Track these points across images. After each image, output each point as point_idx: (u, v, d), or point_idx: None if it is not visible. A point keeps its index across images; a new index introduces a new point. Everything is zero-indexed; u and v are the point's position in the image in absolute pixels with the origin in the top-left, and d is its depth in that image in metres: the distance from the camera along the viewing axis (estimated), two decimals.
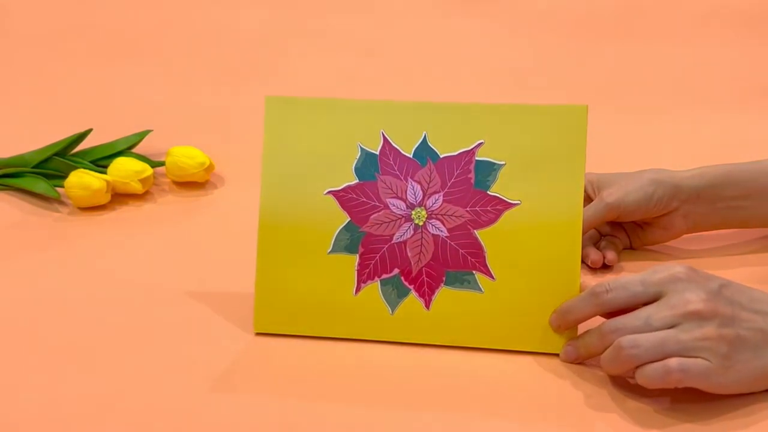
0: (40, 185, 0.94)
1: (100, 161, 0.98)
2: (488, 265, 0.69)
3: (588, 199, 0.81)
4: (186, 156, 0.96)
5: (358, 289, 0.70)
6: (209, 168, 0.97)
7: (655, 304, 0.62)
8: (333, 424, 0.62)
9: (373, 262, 0.70)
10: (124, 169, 0.93)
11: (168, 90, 1.25)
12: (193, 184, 0.98)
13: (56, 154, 0.97)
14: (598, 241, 0.83)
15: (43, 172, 0.96)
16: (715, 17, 1.50)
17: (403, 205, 0.70)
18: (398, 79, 1.31)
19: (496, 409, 0.63)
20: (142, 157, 0.98)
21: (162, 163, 0.98)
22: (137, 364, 0.68)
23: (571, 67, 1.34)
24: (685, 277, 0.62)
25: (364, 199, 0.71)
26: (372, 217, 0.70)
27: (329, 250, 0.71)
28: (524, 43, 1.44)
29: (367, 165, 0.71)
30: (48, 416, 0.63)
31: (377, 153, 0.71)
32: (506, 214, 0.69)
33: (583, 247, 0.82)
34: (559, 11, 1.56)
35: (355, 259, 0.70)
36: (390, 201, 0.70)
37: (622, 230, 0.83)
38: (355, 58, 1.38)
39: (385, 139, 0.71)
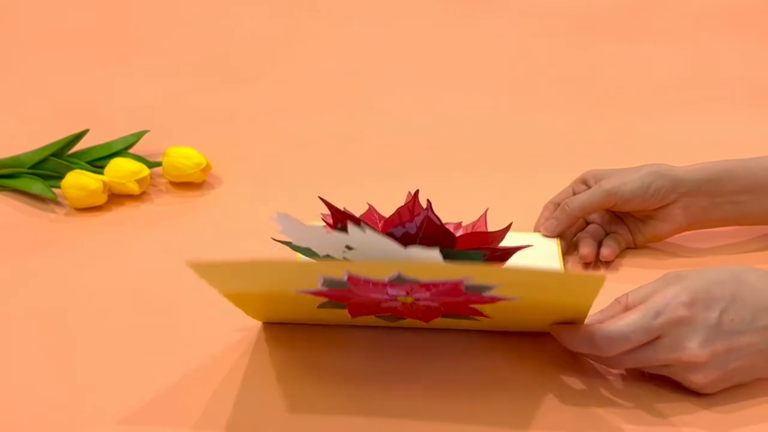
0: (37, 186, 0.94)
1: (96, 162, 0.98)
2: (484, 313, 0.66)
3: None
4: (183, 156, 0.96)
5: (353, 317, 0.69)
6: (206, 168, 0.97)
7: (652, 345, 0.62)
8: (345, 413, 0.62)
9: (363, 311, 0.67)
10: (121, 169, 0.93)
11: (165, 90, 1.25)
12: (190, 184, 0.97)
13: (53, 155, 0.97)
14: (602, 237, 0.83)
15: (39, 173, 0.96)
16: (716, 17, 1.50)
17: (386, 296, 0.63)
18: (397, 79, 1.31)
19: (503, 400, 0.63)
20: (138, 158, 0.98)
21: (159, 164, 0.98)
22: (136, 365, 0.68)
23: (571, 67, 1.34)
24: (686, 320, 0.61)
25: (340, 294, 0.63)
26: (354, 299, 0.64)
27: (318, 305, 0.66)
28: (524, 42, 1.44)
29: (335, 283, 0.61)
30: (48, 417, 0.62)
31: (344, 279, 0.60)
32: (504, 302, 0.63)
33: (581, 240, 0.82)
34: (559, 11, 1.55)
35: (345, 310, 0.66)
36: (370, 295, 0.63)
37: (624, 226, 0.83)
38: (354, 58, 1.38)
39: (350, 274, 0.59)
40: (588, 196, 0.80)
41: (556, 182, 0.88)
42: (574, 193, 0.84)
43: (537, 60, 1.37)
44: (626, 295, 0.66)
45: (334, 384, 0.66)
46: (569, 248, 0.83)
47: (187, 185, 0.98)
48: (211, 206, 0.94)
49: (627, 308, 0.65)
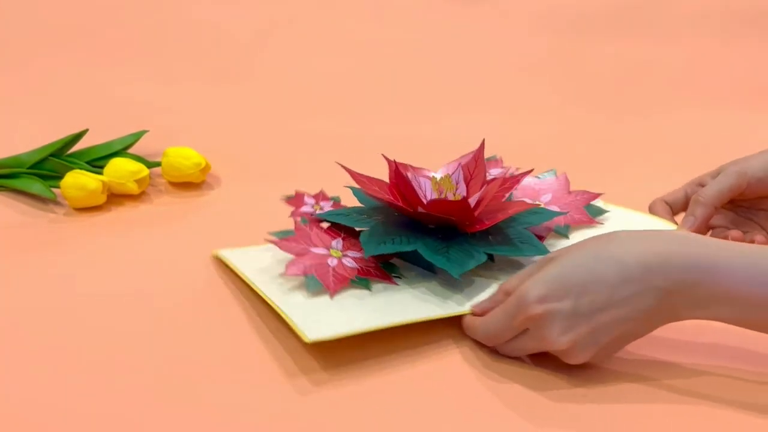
0: (36, 186, 0.94)
1: (96, 162, 0.98)
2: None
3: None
4: (182, 156, 0.96)
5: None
6: (205, 169, 0.97)
7: (522, 336, 0.65)
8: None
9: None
10: (120, 169, 0.93)
11: (164, 90, 1.25)
12: (189, 184, 0.98)
13: (52, 155, 0.97)
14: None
15: (38, 173, 0.96)
16: (716, 16, 1.50)
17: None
18: (397, 78, 1.31)
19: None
20: (138, 158, 0.98)
21: (158, 164, 0.98)
22: (135, 365, 0.68)
23: (570, 67, 1.34)
24: (540, 317, 0.62)
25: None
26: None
27: None
28: (523, 42, 1.44)
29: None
30: (47, 416, 0.62)
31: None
32: None
33: (725, 230, 0.78)
34: (558, 11, 1.55)
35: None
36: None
37: (754, 225, 0.79)
38: (354, 58, 1.38)
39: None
40: (719, 182, 0.75)
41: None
42: (687, 196, 0.79)
43: (536, 59, 1.37)
44: (509, 280, 0.68)
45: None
46: None
47: (186, 185, 0.98)
48: (210, 206, 0.94)
49: (507, 294, 0.66)
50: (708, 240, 0.62)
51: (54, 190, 0.94)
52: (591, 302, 0.61)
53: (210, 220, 0.91)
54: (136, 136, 1.01)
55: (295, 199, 0.82)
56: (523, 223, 0.77)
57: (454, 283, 0.73)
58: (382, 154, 0.78)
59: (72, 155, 0.99)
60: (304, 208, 0.81)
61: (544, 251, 0.72)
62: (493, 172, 0.86)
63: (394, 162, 0.76)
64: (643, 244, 0.61)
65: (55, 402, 0.64)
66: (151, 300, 0.76)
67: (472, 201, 0.74)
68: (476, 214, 0.75)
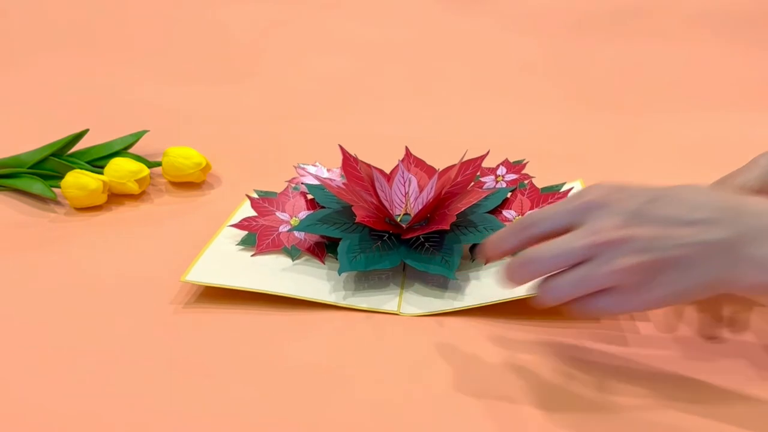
0: (37, 186, 0.94)
1: (96, 161, 0.98)
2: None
3: None
4: (182, 156, 0.96)
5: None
6: (206, 168, 0.97)
7: (571, 234, 0.58)
8: None
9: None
10: (121, 169, 0.93)
11: (164, 90, 1.25)
12: (189, 184, 0.98)
13: (53, 155, 0.97)
14: None
15: (39, 173, 0.96)
16: (716, 17, 1.50)
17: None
18: (396, 79, 1.31)
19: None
20: (138, 158, 0.99)
21: (158, 164, 0.98)
22: (135, 365, 0.68)
23: (569, 68, 1.34)
24: (600, 203, 0.58)
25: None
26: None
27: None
28: (522, 42, 1.44)
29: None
30: (48, 414, 0.63)
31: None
32: None
33: None
34: (558, 11, 1.56)
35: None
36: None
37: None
38: (354, 58, 1.38)
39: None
40: None
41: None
42: None
43: (536, 59, 1.37)
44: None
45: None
46: None
47: (186, 185, 0.98)
48: (211, 206, 0.94)
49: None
50: None
51: (54, 189, 0.94)
52: (658, 211, 0.56)
53: (210, 220, 0.91)
54: (137, 136, 1.01)
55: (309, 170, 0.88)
56: (484, 208, 0.82)
57: (366, 279, 0.76)
58: (338, 145, 0.83)
59: (72, 155, 0.99)
60: (307, 179, 0.87)
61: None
62: (486, 180, 0.88)
63: (356, 158, 0.81)
64: (722, 191, 0.59)
65: (55, 402, 0.64)
66: (151, 299, 0.76)
67: (416, 209, 0.77)
68: (416, 221, 0.77)
